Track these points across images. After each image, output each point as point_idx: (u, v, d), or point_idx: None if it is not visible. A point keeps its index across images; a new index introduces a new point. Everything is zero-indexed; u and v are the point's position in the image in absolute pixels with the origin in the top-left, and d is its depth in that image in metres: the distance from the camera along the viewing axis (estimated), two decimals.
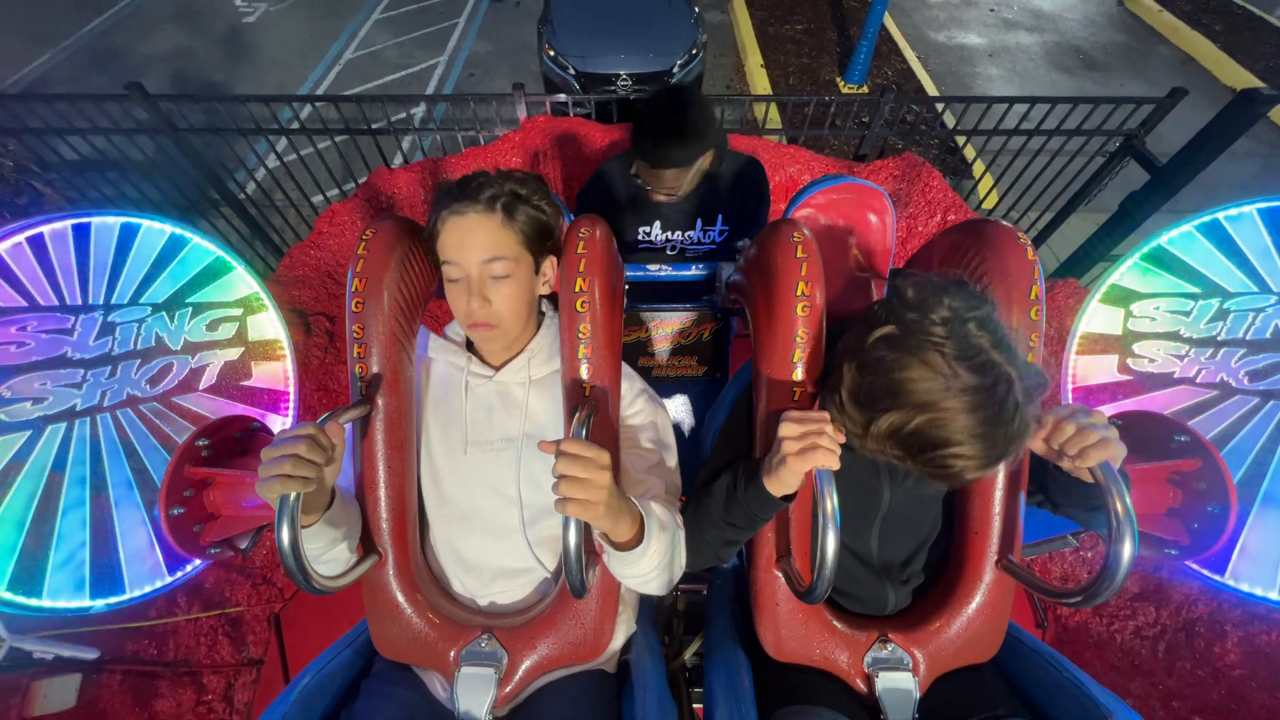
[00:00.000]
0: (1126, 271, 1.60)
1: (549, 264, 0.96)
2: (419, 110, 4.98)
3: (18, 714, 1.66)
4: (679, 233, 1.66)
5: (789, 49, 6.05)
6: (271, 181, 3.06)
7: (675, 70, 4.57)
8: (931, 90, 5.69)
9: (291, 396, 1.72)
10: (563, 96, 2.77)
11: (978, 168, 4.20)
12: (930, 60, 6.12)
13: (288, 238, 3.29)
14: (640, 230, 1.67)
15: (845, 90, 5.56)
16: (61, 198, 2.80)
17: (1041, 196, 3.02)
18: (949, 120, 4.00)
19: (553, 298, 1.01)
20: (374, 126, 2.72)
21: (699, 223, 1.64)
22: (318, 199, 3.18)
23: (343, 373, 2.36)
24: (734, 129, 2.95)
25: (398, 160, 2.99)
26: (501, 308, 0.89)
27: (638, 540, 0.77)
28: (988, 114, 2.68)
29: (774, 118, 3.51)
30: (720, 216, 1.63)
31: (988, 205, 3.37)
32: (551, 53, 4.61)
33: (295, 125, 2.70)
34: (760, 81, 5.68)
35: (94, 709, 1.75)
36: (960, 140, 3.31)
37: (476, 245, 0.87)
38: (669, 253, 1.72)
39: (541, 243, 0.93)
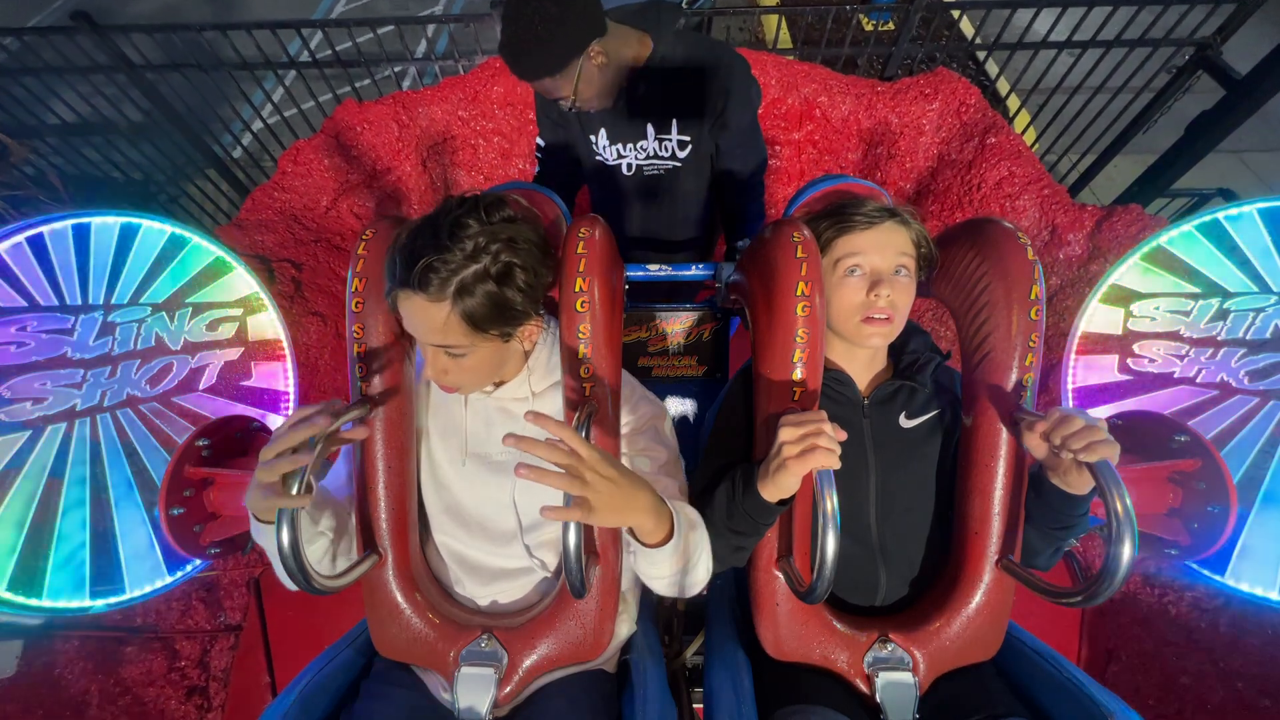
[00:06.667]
0: (1126, 271, 1.60)
1: (532, 324, 0.87)
2: (432, 33, 4.56)
3: None
4: (629, 145, 1.44)
5: None
6: (267, 135, 2.65)
7: None
8: None
9: (292, 397, 1.72)
10: None
11: (1013, 103, 3.51)
12: None
13: None
14: (590, 140, 1.47)
15: None
16: (27, 149, 2.47)
17: (1087, 131, 2.51)
18: (978, 34, 3.29)
19: (551, 303, 0.99)
20: (344, 59, 2.46)
21: (650, 130, 1.40)
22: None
23: (311, 323, 2.25)
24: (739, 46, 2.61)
25: (407, 82, 2.57)
26: (461, 378, 0.85)
27: (667, 538, 0.75)
28: (1033, 25, 2.28)
29: (784, 37, 2.86)
30: (675, 123, 1.38)
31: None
32: None
33: (280, 60, 2.36)
34: None
35: (47, 676, 1.58)
36: (993, 71, 2.78)
37: (425, 331, 0.79)
38: (626, 173, 1.49)
39: (506, 325, 0.82)
